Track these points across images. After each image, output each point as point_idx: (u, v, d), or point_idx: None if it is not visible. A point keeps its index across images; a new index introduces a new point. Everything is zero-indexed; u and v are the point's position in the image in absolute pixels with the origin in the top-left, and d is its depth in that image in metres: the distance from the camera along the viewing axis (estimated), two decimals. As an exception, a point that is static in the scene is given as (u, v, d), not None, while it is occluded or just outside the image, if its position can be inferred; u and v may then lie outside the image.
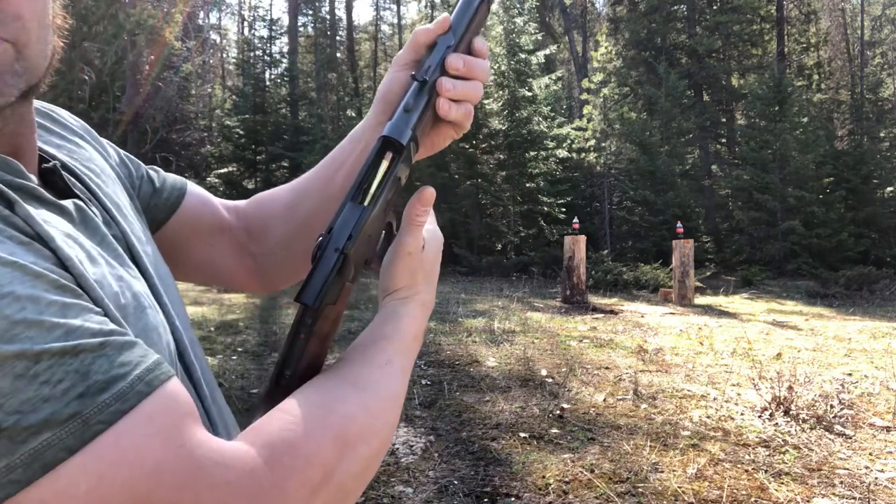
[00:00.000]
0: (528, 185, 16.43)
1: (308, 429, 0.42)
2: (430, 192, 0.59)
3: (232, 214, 0.80)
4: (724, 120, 20.76)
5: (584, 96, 19.80)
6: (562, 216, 16.29)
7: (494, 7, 20.31)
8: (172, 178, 0.76)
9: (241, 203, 0.82)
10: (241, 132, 18.49)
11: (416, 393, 4.32)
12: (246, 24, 25.47)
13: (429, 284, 0.60)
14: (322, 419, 0.44)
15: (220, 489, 0.37)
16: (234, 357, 5.34)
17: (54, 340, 0.35)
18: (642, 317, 8.36)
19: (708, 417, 3.85)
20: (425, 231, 0.61)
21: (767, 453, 3.26)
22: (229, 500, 0.37)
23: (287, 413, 0.44)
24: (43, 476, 0.33)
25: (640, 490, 2.79)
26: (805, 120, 17.85)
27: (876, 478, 2.95)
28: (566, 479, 2.91)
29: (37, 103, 0.59)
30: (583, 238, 9.84)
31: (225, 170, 18.50)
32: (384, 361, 0.52)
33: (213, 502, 0.36)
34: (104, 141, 0.70)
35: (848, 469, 3.06)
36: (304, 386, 0.49)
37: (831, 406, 3.88)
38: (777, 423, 3.70)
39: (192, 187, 0.78)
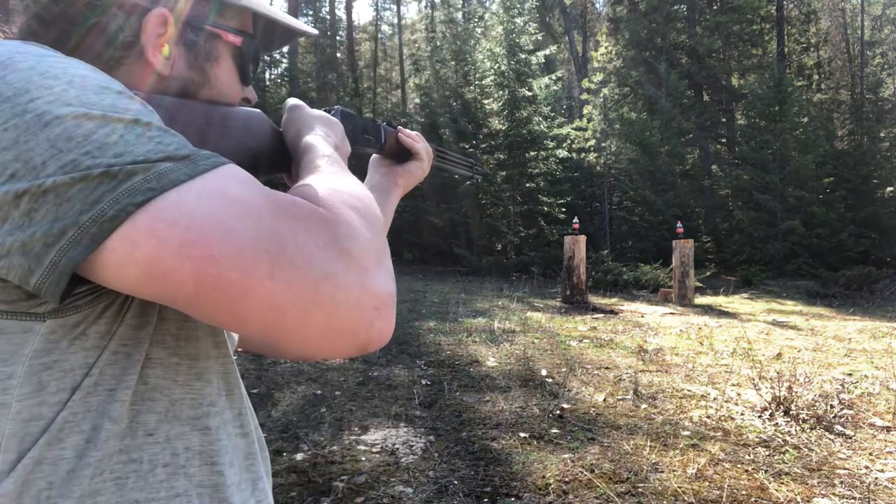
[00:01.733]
0: (528, 185, 16.44)
1: (326, 184, 0.54)
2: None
3: None
4: (724, 120, 20.75)
5: (584, 96, 19.81)
6: (562, 216, 16.30)
7: (494, 7, 20.33)
8: None
9: None
10: (241, 132, 18.43)
11: (416, 393, 4.32)
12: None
13: (322, 124, 0.70)
14: (329, 181, 0.56)
15: (298, 220, 0.46)
16: (234, 357, 5.34)
17: (160, 121, 0.47)
18: (642, 317, 8.36)
19: (708, 417, 3.85)
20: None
21: (767, 453, 3.26)
22: (308, 224, 0.46)
23: (307, 185, 0.54)
24: (172, 188, 0.42)
25: (640, 490, 2.79)
26: (805, 120, 17.86)
27: (876, 478, 2.95)
28: (566, 479, 2.91)
29: None
30: (583, 238, 9.84)
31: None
32: (324, 166, 0.61)
33: (298, 229, 0.45)
34: None
35: (848, 469, 3.06)
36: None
37: (831, 406, 3.88)
38: (777, 423, 3.70)
39: None
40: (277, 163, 0.70)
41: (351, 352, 0.49)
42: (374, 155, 0.98)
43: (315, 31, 0.77)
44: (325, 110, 0.79)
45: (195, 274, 0.42)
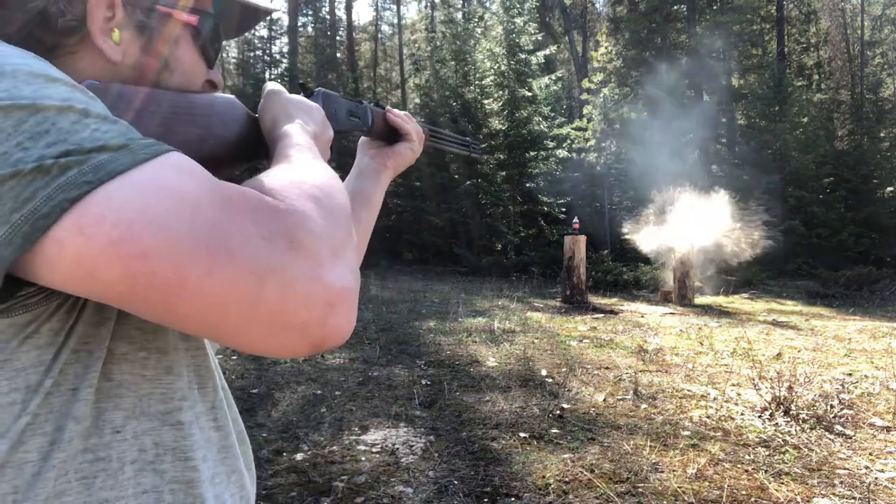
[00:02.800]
0: (528, 185, 16.43)
1: (288, 174, 0.52)
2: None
3: None
4: (724, 120, 20.74)
5: (584, 96, 19.79)
6: (562, 216, 16.30)
7: (494, 7, 20.33)
8: None
9: None
10: (241, 132, 18.47)
11: (416, 393, 4.32)
12: (246, 24, 25.47)
13: (300, 111, 0.68)
14: (292, 171, 0.53)
15: (244, 212, 0.44)
16: (235, 357, 5.34)
17: (101, 109, 0.44)
18: (642, 317, 8.36)
19: (708, 417, 3.85)
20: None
21: (767, 453, 3.26)
22: (255, 216, 0.44)
23: (266, 175, 0.51)
24: (108, 181, 0.40)
25: (640, 490, 2.79)
26: (805, 120, 17.85)
27: (876, 478, 2.95)
28: (566, 479, 2.91)
29: None
30: (583, 238, 9.84)
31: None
32: (298, 154, 0.58)
33: (242, 221, 0.43)
34: None
35: (848, 469, 3.06)
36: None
37: (831, 406, 3.88)
38: (777, 423, 3.70)
39: None
40: (254, 150, 0.66)
41: (304, 350, 0.46)
42: (362, 137, 0.96)
43: (275, 7, 0.74)
44: (305, 94, 0.77)
45: (125, 273, 0.40)
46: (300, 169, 0.54)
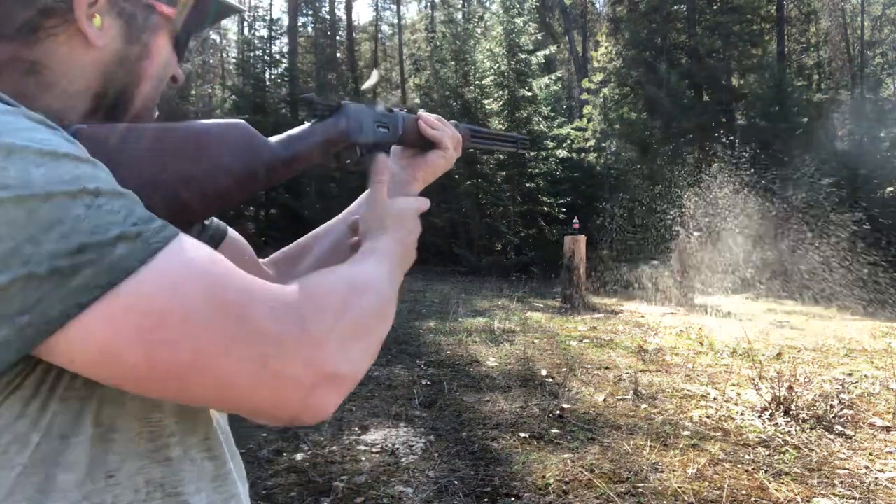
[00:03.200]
0: (528, 185, 16.42)
1: (323, 281, 0.54)
2: (383, 159, 0.78)
3: (272, 269, 0.85)
4: (724, 120, 20.74)
5: (584, 96, 19.79)
6: (562, 216, 16.28)
7: (494, 7, 20.35)
8: (216, 220, 0.79)
9: (276, 260, 0.88)
10: (241, 132, 18.48)
11: (416, 393, 4.32)
12: (246, 24, 25.48)
13: (400, 229, 0.72)
14: (333, 277, 0.55)
15: (265, 308, 0.46)
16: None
17: (107, 179, 0.44)
18: (642, 317, 8.36)
19: (708, 417, 3.85)
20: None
21: (767, 453, 3.26)
22: (268, 301, 0.46)
23: (306, 279, 0.53)
24: (125, 278, 0.41)
25: (640, 490, 2.79)
26: (805, 120, 17.84)
27: (876, 478, 2.95)
28: (566, 479, 2.91)
29: None
30: (583, 238, 9.84)
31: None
32: (371, 259, 0.63)
33: (261, 316, 0.45)
34: None
35: (848, 469, 3.06)
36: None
37: (831, 406, 3.88)
38: (777, 423, 3.70)
39: (233, 232, 0.81)
40: (264, 179, 0.64)
41: (279, 423, 0.50)
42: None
43: (242, 8, 0.75)
44: (331, 109, 0.74)
45: (148, 358, 0.42)
46: (350, 268, 0.58)
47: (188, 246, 0.46)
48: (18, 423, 0.44)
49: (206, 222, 0.75)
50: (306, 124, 0.72)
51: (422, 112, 0.91)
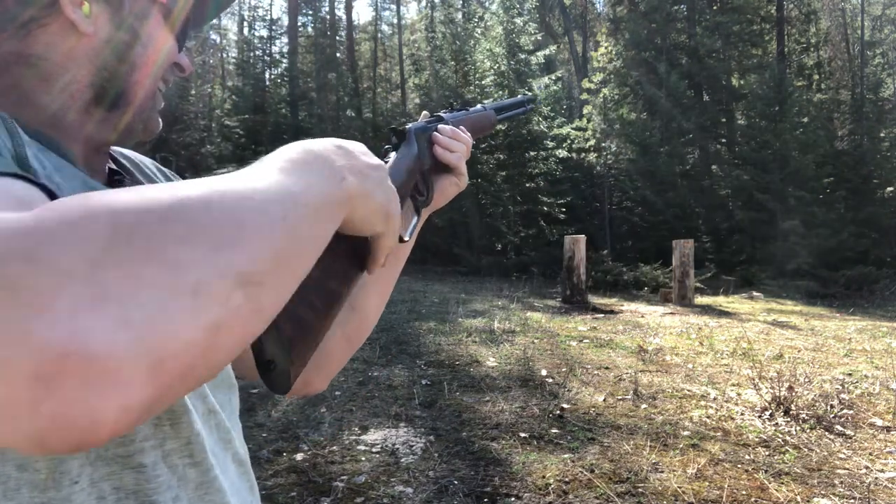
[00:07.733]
0: (528, 185, 16.43)
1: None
2: None
3: None
4: (724, 120, 20.74)
5: (584, 96, 19.79)
6: (562, 216, 16.29)
7: (494, 7, 20.35)
8: None
9: None
10: (241, 132, 18.50)
11: (416, 393, 4.32)
12: (246, 24, 25.48)
13: (349, 159, 0.46)
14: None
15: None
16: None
17: None
18: (642, 317, 8.36)
19: (708, 417, 3.85)
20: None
21: (767, 453, 3.26)
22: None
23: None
24: None
25: (640, 490, 2.79)
26: (805, 120, 17.85)
27: (876, 478, 2.95)
28: (566, 479, 2.91)
29: (129, 153, 0.70)
30: (583, 238, 9.84)
31: (225, 170, 18.38)
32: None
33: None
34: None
35: (848, 469, 3.06)
36: None
37: (831, 406, 3.88)
38: (777, 423, 3.70)
39: None
40: None
41: (21, 448, 0.28)
42: None
43: None
44: (398, 138, 0.69)
45: None
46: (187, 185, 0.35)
47: None
48: None
49: None
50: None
51: (436, 134, 0.77)
